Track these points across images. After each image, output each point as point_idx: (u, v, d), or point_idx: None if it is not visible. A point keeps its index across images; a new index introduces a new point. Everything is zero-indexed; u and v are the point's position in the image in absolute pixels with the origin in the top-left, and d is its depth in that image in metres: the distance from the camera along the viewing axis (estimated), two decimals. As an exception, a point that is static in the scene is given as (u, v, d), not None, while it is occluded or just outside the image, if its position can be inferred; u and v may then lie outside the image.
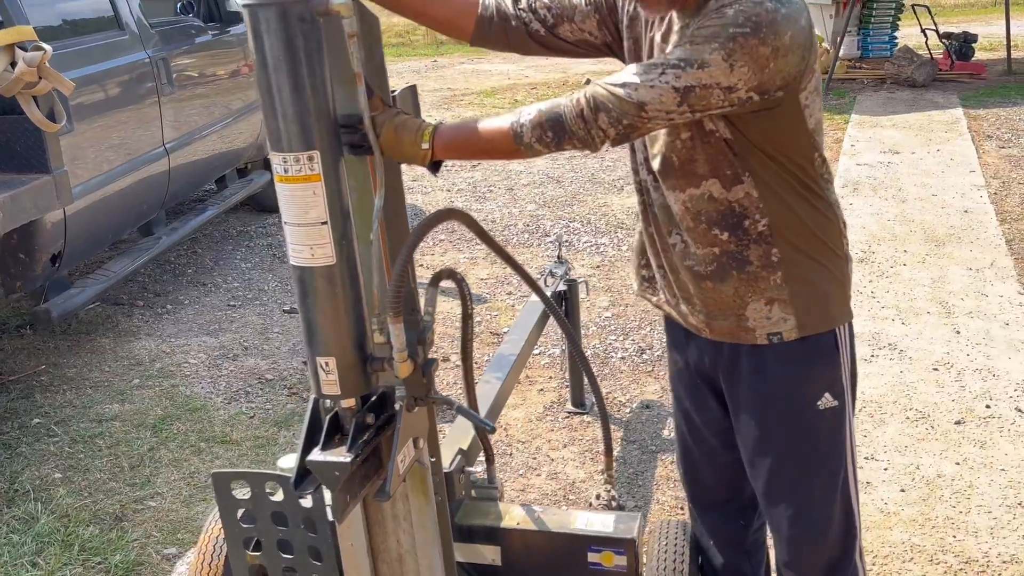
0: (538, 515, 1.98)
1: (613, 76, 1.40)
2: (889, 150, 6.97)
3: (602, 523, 1.94)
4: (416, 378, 1.55)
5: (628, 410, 3.37)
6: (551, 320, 3.06)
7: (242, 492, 1.73)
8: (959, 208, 5.51)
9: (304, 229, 1.45)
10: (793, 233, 1.54)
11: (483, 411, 2.35)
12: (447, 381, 3.56)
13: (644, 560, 1.96)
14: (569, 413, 3.34)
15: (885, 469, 2.91)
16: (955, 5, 18.92)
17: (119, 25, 3.95)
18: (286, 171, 1.43)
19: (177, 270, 4.94)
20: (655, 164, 1.59)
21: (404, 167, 1.62)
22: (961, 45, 10.14)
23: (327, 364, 1.52)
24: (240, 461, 3.07)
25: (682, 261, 1.61)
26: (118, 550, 2.63)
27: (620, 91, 1.37)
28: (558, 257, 3.32)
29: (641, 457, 3.06)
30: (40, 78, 2.77)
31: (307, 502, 1.65)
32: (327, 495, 1.53)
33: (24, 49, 2.75)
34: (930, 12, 10.19)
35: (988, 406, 3.26)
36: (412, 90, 1.78)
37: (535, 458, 3.07)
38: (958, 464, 2.92)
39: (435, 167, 1.48)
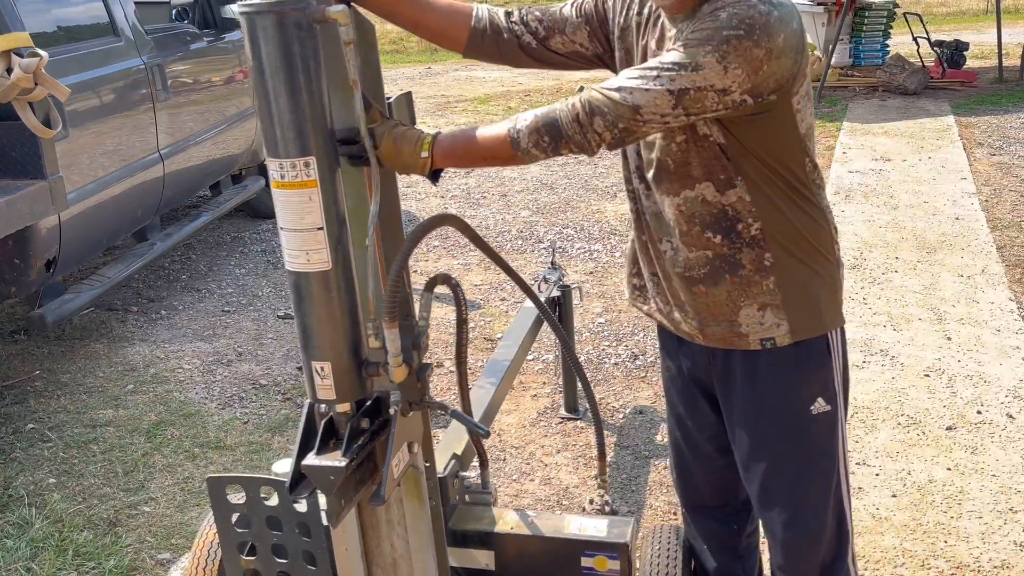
0: (532, 520, 1.99)
1: (608, 81, 1.42)
2: (881, 157, 7.01)
3: (595, 528, 1.94)
4: (411, 383, 1.56)
5: (621, 415, 3.38)
6: (545, 326, 3.07)
7: (237, 497, 1.74)
8: (950, 215, 5.55)
9: (300, 234, 1.46)
10: (785, 237, 1.56)
11: (477, 416, 2.36)
12: (441, 386, 3.57)
13: (637, 565, 1.97)
14: (562, 419, 3.35)
15: (877, 475, 2.92)
16: (947, 14, 19.04)
17: (114, 31, 3.96)
18: (283, 177, 1.44)
19: (171, 276, 4.94)
20: (650, 168, 1.60)
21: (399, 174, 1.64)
22: (952, 53, 10.21)
23: (322, 369, 1.53)
24: (234, 466, 3.08)
25: (672, 268, 1.62)
26: (112, 555, 2.63)
27: (615, 95, 1.38)
28: (551, 263, 3.33)
29: (634, 462, 3.07)
30: (36, 84, 2.78)
31: (302, 506, 1.66)
32: (322, 499, 1.54)
33: (20, 55, 2.76)
34: (922, 20, 10.25)
35: (979, 412, 3.28)
36: (407, 97, 1.79)
37: (529, 463, 3.08)
38: (949, 470, 2.94)
39: (434, 176, 1.50)
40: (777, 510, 1.69)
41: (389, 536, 1.70)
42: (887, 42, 10.53)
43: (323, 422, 1.55)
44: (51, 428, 3.34)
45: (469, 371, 3.31)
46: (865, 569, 2.49)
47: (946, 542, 2.60)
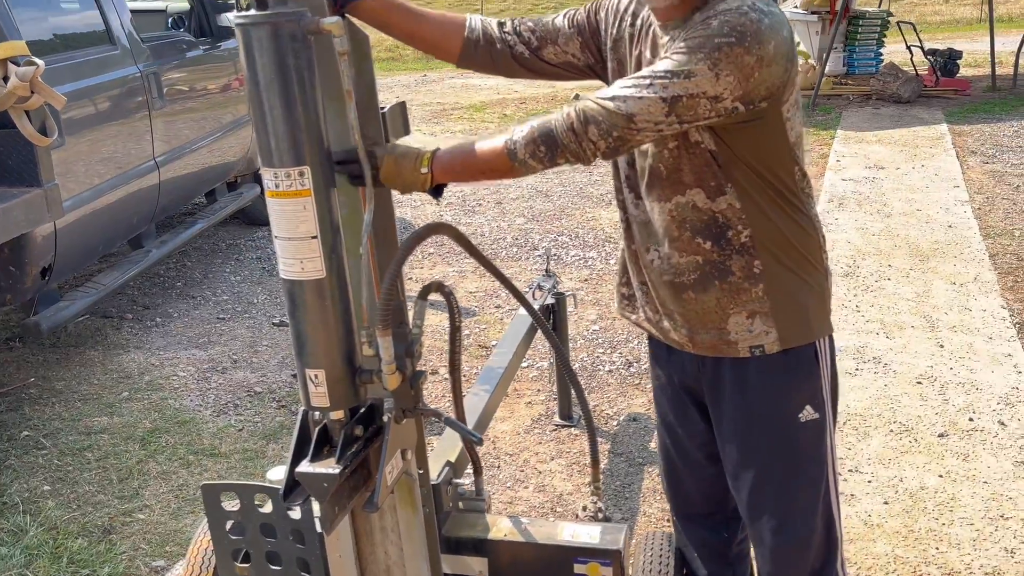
0: (525, 527, 2.00)
1: (602, 90, 1.44)
2: (874, 165, 7.05)
3: (588, 534, 1.95)
4: (404, 390, 1.58)
5: (615, 423, 3.39)
6: (539, 333, 3.08)
7: (231, 504, 1.75)
8: (943, 223, 5.57)
9: (294, 243, 1.47)
10: (775, 245, 1.58)
11: (471, 423, 2.37)
12: (436, 393, 3.58)
13: (630, 571, 1.98)
14: (557, 426, 3.36)
15: (869, 482, 2.94)
16: (940, 22, 19.14)
17: (111, 40, 3.98)
18: (277, 186, 1.45)
19: (166, 283, 4.94)
20: (643, 175, 1.62)
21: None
22: (946, 62, 10.27)
23: (316, 376, 1.54)
24: (228, 474, 3.08)
25: (661, 276, 1.64)
26: (107, 562, 2.63)
27: (609, 104, 1.40)
28: (546, 271, 3.34)
29: (628, 469, 3.08)
30: (32, 92, 2.78)
31: (296, 514, 1.67)
32: (315, 507, 1.55)
33: (17, 64, 2.77)
34: (915, 29, 10.31)
35: (971, 419, 3.30)
36: (401, 106, 1.80)
37: (523, 471, 3.09)
38: (941, 477, 2.96)
39: (436, 192, 1.51)
40: (766, 517, 1.70)
41: (383, 543, 1.71)
42: (881, 51, 10.58)
43: (317, 429, 1.56)
44: (46, 435, 3.35)
45: (464, 378, 3.33)
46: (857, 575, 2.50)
47: (937, 549, 2.61)
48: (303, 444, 1.57)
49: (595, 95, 1.42)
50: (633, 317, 1.79)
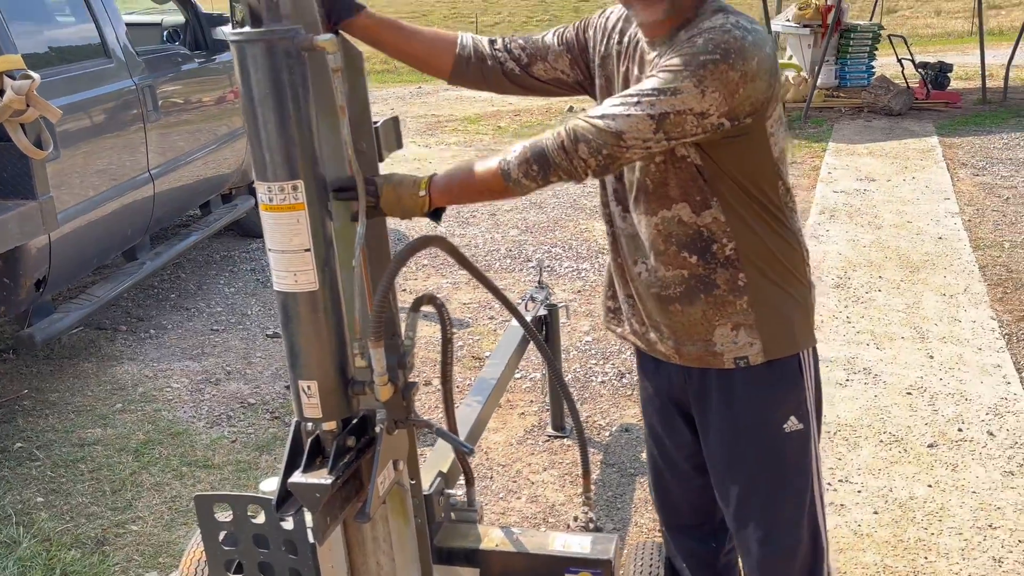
0: (516, 537, 2.01)
1: (592, 109, 1.47)
2: (865, 177, 7.10)
3: (579, 545, 1.97)
4: (396, 401, 1.59)
5: (608, 433, 3.41)
6: (532, 344, 3.10)
7: (224, 515, 1.76)
8: (934, 235, 5.61)
9: (288, 256, 1.49)
10: (759, 258, 1.60)
11: (464, 434, 2.38)
12: (430, 404, 3.59)
13: (620, 581, 1.99)
14: (549, 437, 3.38)
15: (859, 491, 2.96)
16: (932, 35, 19.28)
17: (106, 53, 4.00)
18: (271, 200, 1.47)
19: (160, 295, 4.95)
20: (631, 189, 1.65)
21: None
22: (937, 75, 10.35)
23: (309, 388, 1.56)
24: (222, 485, 3.09)
25: (648, 289, 1.67)
26: (100, 574, 2.64)
27: (599, 122, 1.43)
28: (539, 282, 3.37)
29: (620, 480, 3.10)
30: (28, 106, 2.80)
31: (288, 524, 1.68)
32: (308, 517, 1.57)
33: (12, 77, 2.79)
34: (906, 42, 10.39)
35: (960, 429, 3.33)
36: (394, 121, 1.83)
37: (515, 481, 3.10)
38: (930, 486, 2.98)
39: (435, 215, 1.55)
40: (752, 527, 1.72)
41: (375, 553, 1.72)
42: (872, 64, 10.67)
43: (310, 440, 1.58)
44: (39, 447, 3.35)
45: (457, 389, 3.34)
46: (847, 585, 2.52)
47: (926, 558, 2.63)
48: (296, 455, 1.59)
49: (585, 114, 1.46)
50: (619, 330, 1.82)
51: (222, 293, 4.97)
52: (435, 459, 2.22)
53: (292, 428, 1.60)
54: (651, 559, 2.01)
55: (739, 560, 2.02)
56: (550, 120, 9.62)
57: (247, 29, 1.43)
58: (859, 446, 3.23)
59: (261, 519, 1.74)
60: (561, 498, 2.99)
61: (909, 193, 6.61)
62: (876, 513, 2.84)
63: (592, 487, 2.43)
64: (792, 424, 1.67)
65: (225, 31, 5.39)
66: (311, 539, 1.60)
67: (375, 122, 1.74)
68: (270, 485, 1.84)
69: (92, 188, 3.76)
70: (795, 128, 9.04)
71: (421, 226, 6.11)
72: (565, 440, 3.34)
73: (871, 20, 12.10)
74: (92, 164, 3.79)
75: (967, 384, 3.67)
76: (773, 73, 1.49)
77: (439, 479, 2.09)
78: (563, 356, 3.78)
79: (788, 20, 10.66)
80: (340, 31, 1.61)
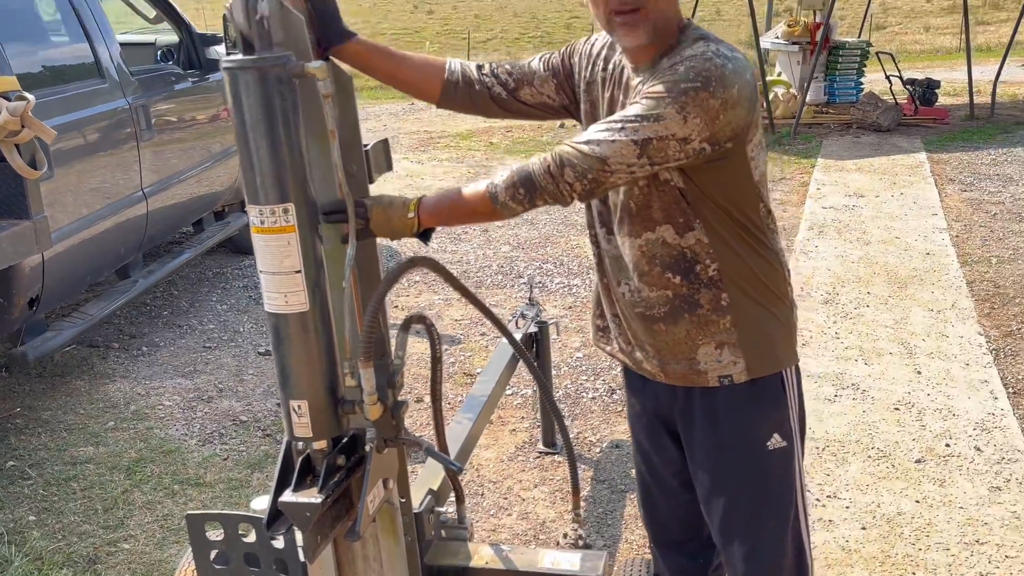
0: (506, 554, 2.03)
1: (577, 135, 1.51)
2: (854, 193, 7.15)
3: (569, 562, 1.99)
4: (386, 420, 1.61)
5: (598, 449, 3.43)
6: (522, 361, 3.12)
7: (215, 533, 1.77)
8: (922, 251, 5.66)
9: (279, 277, 1.52)
10: (741, 279, 1.64)
11: (454, 452, 2.40)
12: (421, 421, 3.61)
13: (609, 597, 2.01)
14: (540, 453, 3.39)
15: (847, 507, 2.98)
16: (920, 51, 19.44)
17: (100, 73, 4.03)
18: (262, 222, 1.50)
19: (153, 312, 4.96)
20: (615, 211, 1.68)
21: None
22: (924, 91, 10.44)
23: (300, 407, 1.58)
24: (213, 503, 3.10)
25: (632, 309, 1.70)
26: (91, 593, 2.64)
27: (584, 147, 1.47)
28: (529, 299, 3.39)
29: (610, 496, 3.11)
30: (23, 127, 2.83)
31: (279, 543, 1.70)
32: (298, 536, 1.58)
33: (7, 99, 2.82)
34: (894, 59, 10.49)
35: (948, 445, 3.36)
36: (384, 143, 1.86)
37: (506, 498, 3.12)
38: (918, 502, 3.01)
39: (425, 236, 1.59)
40: (737, 544, 1.75)
41: (365, 572, 1.73)
42: (861, 80, 10.77)
43: (300, 459, 1.60)
44: (31, 465, 3.36)
45: (448, 405, 3.36)
46: (835, 601, 2.54)
47: (914, 574, 2.65)
48: (286, 474, 1.61)
49: (570, 140, 1.50)
50: (608, 348, 1.85)
51: (214, 310, 4.98)
52: (425, 477, 2.24)
53: (283, 447, 1.62)
54: (639, 575, 2.03)
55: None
56: (542, 136, 9.67)
57: (239, 56, 1.46)
58: (847, 462, 3.26)
59: (252, 538, 1.76)
60: (552, 515, 3.01)
61: (897, 209, 6.67)
62: (864, 529, 2.86)
63: (582, 504, 2.45)
64: (776, 441, 1.70)
65: (219, 51, 5.44)
66: (302, 557, 1.62)
67: (365, 145, 1.77)
68: (261, 503, 1.86)
69: (86, 207, 3.78)
70: (784, 144, 9.11)
71: (412, 244, 6.14)
72: (556, 456, 3.36)
73: (859, 37, 12.23)
74: (86, 183, 3.81)
75: (954, 400, 3.70)
76: (752, 100, 1.53)
77: (429, 497, 2.11)
78: (554, 372, 3.81)
79: (777, 37, 10.77)
80: (331, 57, 1.65)
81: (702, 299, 1.63)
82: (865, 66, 10.78)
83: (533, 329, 3.22)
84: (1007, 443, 3.35)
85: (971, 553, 2.74)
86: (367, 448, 1.65)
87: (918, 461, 3.25)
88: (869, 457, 3.29)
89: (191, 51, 5.07)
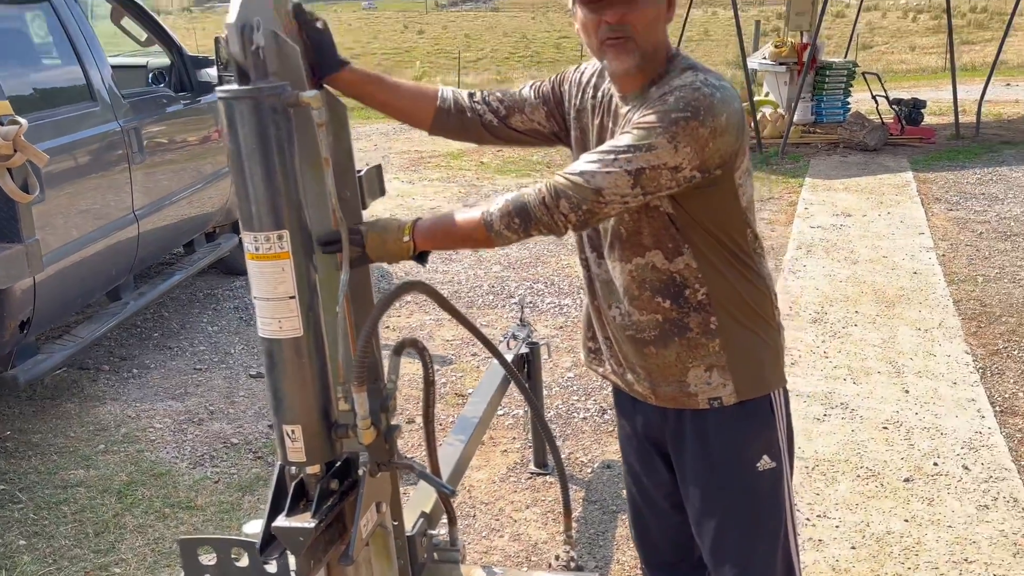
0: (498, 576, 2.04)
1: (571, 166, 1.54)
2: (842, 213, 7.22)
3: (561, 583, 2.00)
4: (379, 444, 1.63)
5: (589, 470, 3.44)
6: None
7: (208, 558, 1.78)
8: (909, 270, 5.71)
9: (273, 303, 1.54)
10: (730, 303, 1.67)
11: (446, 474, 2.41)
12: (413, 443, 3.61)
13: (601, 619, 2.02)
14: (532, 474, 3.40)
15: (837, 527, 3.00)
16: (906, 71, 19.65)
17: (92, 96, 4.04)
18: (257, 249, 1.52)
19: (143, 334, 4.96)
20: (605, 237, 1.71)
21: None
22: (911, 111, 10.56)
23: (293, 432, 1.59)
24: (205, 527, 3.09)
25: (623, 332, 1.72)
26: (81, 618, 2.63)
27: (578, 179, 1.50)
28: (520, 320, 3.41)
29: (602, 517, 3.12)
30: (15, 151, 2.84)
31: (272, 568, 1.70)
32: (292, 560, 1.59)
33: (0, 123, 2.83)
34: (880, 80, 10.61)
35: (936, 464, 3.38)
36: (377, 169, 1.89)
37: (498, 519, 3.12)
38: (907, 521, 3.02)
39: (421, 259, 1.61)
40: (728, 565, 1.76)
41: (358, 595, 1.74)
42: (847, 100, 10.88)
43: (293, 484, 1.61)
44: (21, 489, 3.34)
45: (440, 426, 3.36)
46: (826, 620, 2.55)
47: (904, 592, 2.67)
48: (280, 498, 1.62)
49: (564, 171, 1.53)
50: (600, 370, 1.87)
51: (205, 332, 4.98)
52: (418, 499, 2.24)
53: (276, 472, 1.63)
54: (631, 597, 2.04)
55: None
56: (532, 155, 9.72)
57: (235, 86, 1.48)
58: (837, 481, 3.28)
59: (245, 562, 1.76)
60: (544, 536, 3.01)
61: (884, 228, 6.73)
62: (854, 548, 2.88)
63: (574, 525, 2.46)
64: (765, 463, 1.72)
65: (210, 73, 5.44)
66: (295, 582, 1.62)
67: (359, 170, 1.79)
68: (253, 527, 1.86)
69: (77, 229, 3.78)
70: (772, 164, 9.19)
71: (405, 265, 6.15)
72: (548, 477, 3.37)
73: (846, 57, 12.36)
74: (77, 206, 3.82)
75: (942, 418, 3.73)
76: (740, 128, 1.56)
77: (422, 520, 2.12)
78: (545, 392, 3.82)
79: (765, 58, 10.88)
80: (325, 85, 1.67)
81: (691, 323, 1.66)
82: (852, 86, 10.90)
83: (524, 350, 3.23)
84: (994, 461, 3.38)
85: (960, 572, 2.76)
86: (360, 472, 1.66)
87: (907, 480, 3.27)
88: (858, 476, 3.31)
89: (182, 73, 5.09)
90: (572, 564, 2.35)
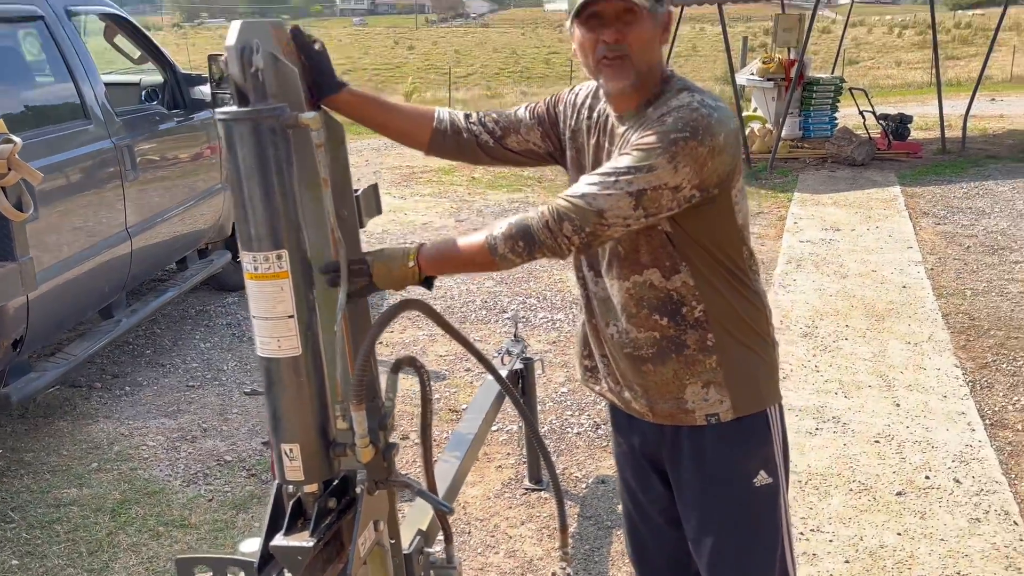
0: (495, 593, 2.04)
1: (571, 188, 1.56)
2: (831, 227, 7.27)
3: (557, 600, 2.01)
4: (377, 462, 1.64)
5: (584, 485, 3.45)
6: (508, 397, 3.14)
7: (206, 577, 1.77)
8: (898, 283, 5.76)
9: (272, 322, 1.55)
10: (726, 319, 1.69)
11: (442, 491, 2.41)
12: (407, 459, 3.61)
13: (598, 635, 2.02)
14: (527, 490, 3.41)
15: (830, 541, 3.01)
16: (892, 86, 19.83)
17: (85, 114, 4.05)
18: (256, 269, 1.53)
19: (135, 351, 4.95)
20: (604, 255, 1.73)
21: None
22: (897, 126, 10.67)
23: (291, 451, 1.60)
24: (199, 545, 3.08)
25: (621, 349, 1.74)
26: (75, 638, 2.62)
27: (580, 201, 1.52)
28: (514, 335, 3.42)
29: (597, 533, 3.13)
30: (9, 169, 2.84)
31: (270, 586, 1.70)
32: (290, 579, 1.59)
33: (-6, 142, 2.83)
34: (867, 95, 10.72)
35: (927, 477, 3.40)
36: (374, 188, 1.90)
37: (493, 536, 3.12)
38: (900, 535, 3.04)
39: (428, 283, 1.63)
40: (725, 581, 1.77)
41: (356, 614, 1.74)
42: (835, 115, 10.98)
43: (291, 502, 1.61)
44: (14, 508, 3.32)
45: (433, 442, 3.34)
46: (820, 635, 2.56)
47: (897, 606, 2.68)
48: (277, 517, 1.62)
49: (565, 194, 1.55)
50: (597, 388, 1.89)
51: (198, 348, 4.97)
52: (414, 517, 2.25)
53: (273, 490, 1.64)
54: (628, 613, 2.05)
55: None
56: (523, 171, 9.76)
57: (235, 108, 1.50)
58: (830, 495, 3.29)
59: (243, 581, 1.76)
60: (539, 552, 3.01)
61: (873, 242, 6.78)
62: (847, 562, 2.89)
63: (569, 541, 2.46)
64: (762, 478, 1.73)
65: (203, 90, 5.44)
66: (293, 601, 1.62)
67: (356, 189, 1.81)
68: (250, 546, 1.86)
69: (71, 247, 3.78)
70: (761, 178, 9.25)
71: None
72: (543, 493, 3.37)
73: (833, 73, 12.48)
74: (71, 223, 3.82)
75: (933, 432, 3.76)
76: (737, 147, 1.59)
77: (418, 537, 2.12)
78: (539, 408, 3.83)
79: (753, 74, 10.98)
80: (323, 106, 1.69)
81: (688, 340, 1.68)
82: (839, 101, 11.01)
83: (519, 366, 3.25)
84: (985, 474, 3.41)
85: (953, 585, 2.77)
86: (358, 490, 1.67)
87: (899, 494, 3.29)
88: (851, 490, 3.32)
89: (175, 91, 5.11)
90: (568, 580, 2.35)
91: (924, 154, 10.30)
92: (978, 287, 5.64)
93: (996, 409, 3.97)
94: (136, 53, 5.06)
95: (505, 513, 3.26)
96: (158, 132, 4.76)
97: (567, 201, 1.53)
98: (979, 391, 4.15)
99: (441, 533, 2.17)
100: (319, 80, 1.64)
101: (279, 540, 1.58)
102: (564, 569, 2.38)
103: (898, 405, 4.01)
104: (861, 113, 10.58)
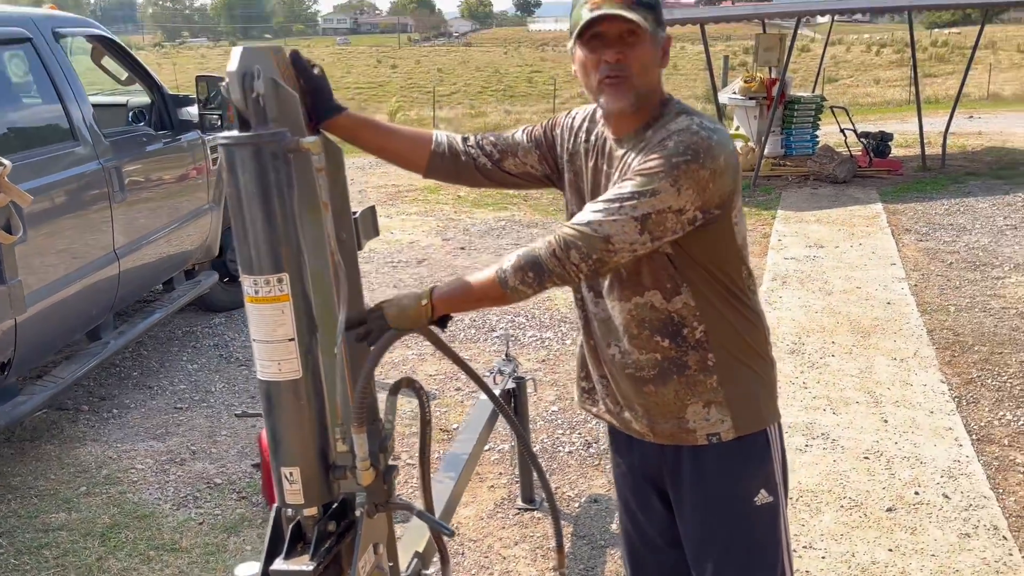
0: (493, 615, 2.04)
1: (577, 216, 1.58)
2: (814, 244, 7.33)
3: (555, 621, 2.00)
4: (378, 485, 1.64)
5: (577, 504, 3.45)
6: (501, 417, 3.14)
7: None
8: (882, 300, 5.81)
9: (272, 346, 1.55)
10: (726, 339, 1.70)
11: (438, 511, 2.41)
12: (400, 480, 3.59)
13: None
14: (520, 509, 3.40)
15: (823, 558, 3.02)
16: (871, 103, 20.08)
17: (73, 136, 4.04)
18: (257, 292, 1.53)
19: (122, 373, 4.91)
20: (604, 277, 1.74)
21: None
22: (878, 143, 10.80)
23: (291, 474, 1.60)
24: (190, 569, 3.05)
25: (622, 370, 1.75)
26: (65, 666, 2.58)
27: (586, 229, 1.54)
28: (506, 355, 3.43)
29: (591, 552, 3.13)
30: (-1, 192, 2.84)
31: (270, 610, 1.69)
32: (291, 603, 1.58)
33: (-15, 165, 2.83)
34: (847, 113, 10.85)
35: (917, 493, 3.43)
36: (371, 211, 1.92)
37: (487, 556, 3.11)
38: (891, 551, 3.06)
39: (441, 323, 1.66)
40: (727, 600, 1.78)
41: (356, 637, 1.73)
42: (816, 133, 11.11)
43: (291, 526, 1.61)
44: (1, 533, 3.28)
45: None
46: (816, 652, 2.56)
47: (891, 622, 2.70)
48: (276, 541, 1.62)
49: (571, 222, 1.57)
50: (594, 410, 1.90)
51: (185, 370, 4.94)
52: (410, 539, 2.24)
53: (272, 514, 1.64)
54: (626, 633, 2.05)
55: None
56: (508, 189, 9.79)
57: (236, 133, 1.51)
58: (821, 512, 3.31)
59: (242, 606, 1.75)
60: (533, 572, 3.01)
61: (857, 259, 6.84)
62: (840, 578, 2.91)
63: (566, 562, 2.46)
64: (763, 497, 1.75)
65: (191, 111, 5.43)
66: (293, 625, 1.61)
67: (354, 212, 1.82)
68: (246, 570, 1.85)
69: (59, 269, 3.76)
70: (745, 196, 9.30)
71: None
72: (536, 512, 3.37)
73: (813, 91, 12.63)
74: (59, 245, 3.80)
75: (921, 447, 3.79)
76: (736, 168, 1.61)
77: (416, 560, 2.12)
78: (530, 426, 3.83)
79: (735, 93, 11.09)
80: (322, 130, 1.70)
81: (690, 360, 1.69)
82: (820, 119, 11.13)
83: (511, 385, 3.25)
84: (973, 489, 3.43)
85: (945, 600, 2.79)
86: (358, 513, 1.66)
87: (889, 510, 3.31)
88: (842, 507, 3.34)
89: (163, 112, 5.10)
90: (565, 601, 2.35)
91: (905, 171, 10.43)
92: (961, 303, 5.70)
93: (982, 424, 4.01)
94: (123, 74, 5.06)
95: (498, 534, 3.25)
96: (145, 153, 4.75)
97: (573, 229, 1.55)
98: (965, 407, 4.19)
99: (437, 555, 2.17)
100: (318, 104, 1.65)
101: (279, 564, 1.58)
102: (560, 589, 2.38)
103: (886, 421, 4.04)
104: (842, 131, 10.71)
